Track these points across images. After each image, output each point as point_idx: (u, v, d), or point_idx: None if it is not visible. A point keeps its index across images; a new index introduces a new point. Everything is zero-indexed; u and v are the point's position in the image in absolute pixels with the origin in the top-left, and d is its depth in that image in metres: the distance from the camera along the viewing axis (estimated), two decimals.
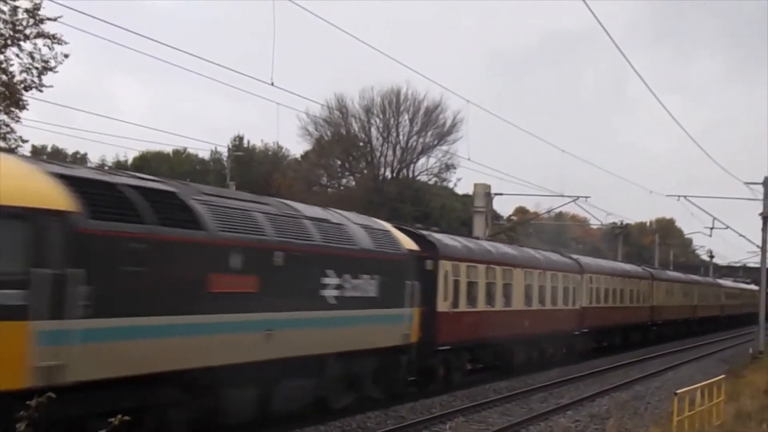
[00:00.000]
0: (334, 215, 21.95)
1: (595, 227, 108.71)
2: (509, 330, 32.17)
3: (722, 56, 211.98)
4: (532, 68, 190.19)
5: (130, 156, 75.00)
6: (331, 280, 19.41)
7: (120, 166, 73.87)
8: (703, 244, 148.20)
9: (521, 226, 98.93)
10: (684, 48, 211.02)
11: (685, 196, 48.19)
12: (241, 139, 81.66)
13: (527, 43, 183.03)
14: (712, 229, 55.14)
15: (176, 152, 75.03)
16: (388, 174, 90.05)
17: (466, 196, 79.97)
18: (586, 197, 49.40)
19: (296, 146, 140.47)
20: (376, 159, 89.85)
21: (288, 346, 17.59)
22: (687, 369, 38.98)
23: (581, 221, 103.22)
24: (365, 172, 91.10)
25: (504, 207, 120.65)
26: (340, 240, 20.37)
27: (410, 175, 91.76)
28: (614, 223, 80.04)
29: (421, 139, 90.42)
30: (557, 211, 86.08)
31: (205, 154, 77.80)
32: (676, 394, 17.58)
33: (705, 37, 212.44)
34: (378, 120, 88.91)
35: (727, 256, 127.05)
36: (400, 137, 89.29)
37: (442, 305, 27.29)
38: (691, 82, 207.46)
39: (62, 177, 13.06)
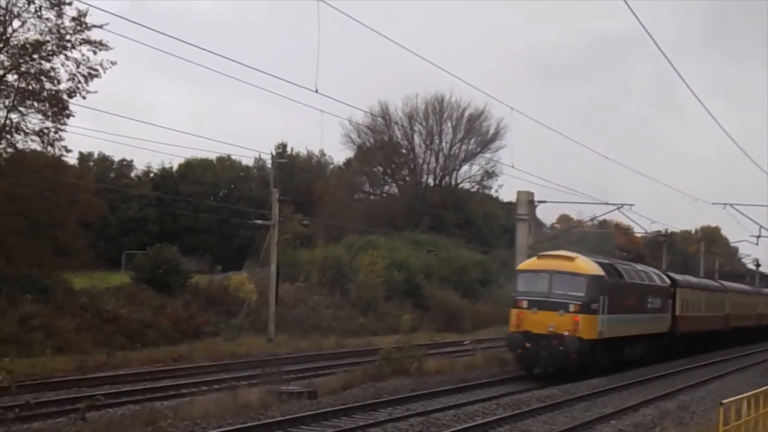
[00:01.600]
0: (649, 270, 46.44)
1: (639, 235, 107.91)
2: (707, 326, 52.90)
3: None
4: (578, 74, 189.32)
5: (176, 163, 75.50)
6: (650, 300, 42.43)
7: (165, 173, 74.54)
8: (749, 252, 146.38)
9: (564, 234, 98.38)
10: (733, 52, 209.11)
11: (731, 204, 47.78)
12: (284, 146, 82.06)
13: (573, 49, 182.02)
14: (758, 237, 54.37)
15: (220, 159, 75.43)
16: (430, 181, 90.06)
17: (509, 203, 79.67)
18: (631, 205, 49.04)
19: (339, 154, 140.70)
20: (418, 166, 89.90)
21: (635, 329, 40.16)
22: (732, 379, 38.51)
23: (625, 229, 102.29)
24: (407, 179, 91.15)
25: (547, 215, 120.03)
26: (651, 281, 43.79)
27: (452, 182, 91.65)
28: (658, 231, 79.18)
29: (463, 147, 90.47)
30: (601, 218, 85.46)
31: (248, 161, 78.16)
32: (722, 404, 17.37)
33: (755, 41, 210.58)
34: (421, 127, 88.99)
35: None
36: (443, 144, 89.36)
37: (678, 311, 46.68)
38: (740, 87, 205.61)
39: (599, 264, 36.91)
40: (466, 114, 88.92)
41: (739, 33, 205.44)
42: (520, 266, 37.61)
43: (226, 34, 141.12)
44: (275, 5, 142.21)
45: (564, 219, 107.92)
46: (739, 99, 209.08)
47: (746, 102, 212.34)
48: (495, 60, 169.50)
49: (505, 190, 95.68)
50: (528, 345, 34.13)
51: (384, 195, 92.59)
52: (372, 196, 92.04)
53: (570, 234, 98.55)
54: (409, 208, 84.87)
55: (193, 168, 74.99)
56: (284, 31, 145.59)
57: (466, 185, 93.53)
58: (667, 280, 46.38)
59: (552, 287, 34.64)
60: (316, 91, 28.06)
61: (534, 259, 37.38)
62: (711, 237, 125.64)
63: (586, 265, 35.69)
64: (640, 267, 45.59)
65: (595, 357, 35.00)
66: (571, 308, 33.95)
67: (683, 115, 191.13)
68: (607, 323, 35.35)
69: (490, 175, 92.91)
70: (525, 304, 34.77)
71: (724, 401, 17.61)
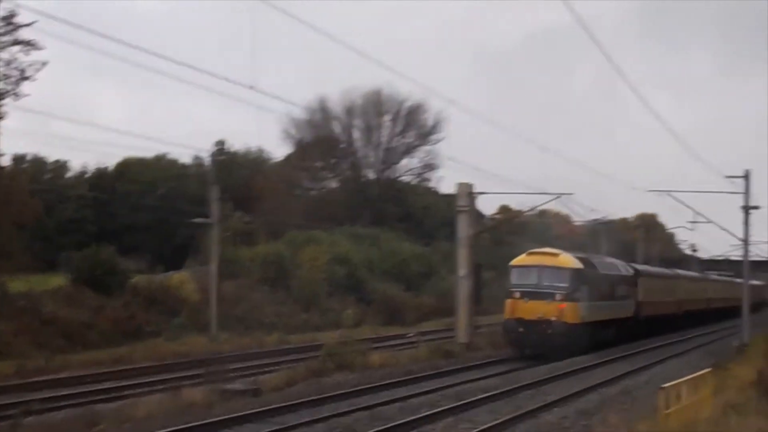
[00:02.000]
0: (617, 262, 51.63)
1: (578, 224, 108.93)
2: (665, 310, 58.69)
3: (714, 52, 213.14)
4: (519, 67, 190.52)
5: (112, 162, 74.54)
6: (619, 288, 48.18)
7: (101, 173, 73.58)
8: (685, 238, 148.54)
9: (505, 225, 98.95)
10: (676, 44, 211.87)
11: (667, 191, 48.22)
12: (223, 143, 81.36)
13: (514, 42, 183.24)
14: (694, 223, 55.19)
15: (158, 158, 74.59)
16: (370, 175, 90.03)
17: (449, 195, 79.95)
18: (570, 194, 49.38)
19: (278, 149, 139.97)
20: (358, 160, 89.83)
21: (608, 314, 45.64)
22: (674, 363, 39.01)
23: (564, 218, 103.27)
24: (347, 173, 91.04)
25: (487, 206, 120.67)
26: (619, 272, 49.51)
27: (393, 175, 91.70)
28: (597, 219, 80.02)
29: (403, 140, 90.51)
30: (541, 208, 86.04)
31: (187, 159, 77.40)
32: (662, 388, 17.56)
33: (696, 32, 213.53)
34: (360, 121, 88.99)
35: (710, 250, 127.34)
36: (382, 138, 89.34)
37: (641, 298, 52.62)
38: (683, 78, 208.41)
39: (579, 258, 42.83)
40: (405, 107, 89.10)
41: (680, 23, 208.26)
42: (513, 262, 42.64)
43: (162, 32, 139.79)
44: (210, 2, 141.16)
45: (504, 209, 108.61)
46: (682, 89, 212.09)
47: (688, 92, 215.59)
48: (435, 53, 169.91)
49: (445, 183, 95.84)
50: (521, 330, 39.90)
51: (324, 190, 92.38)
52: (312, 191, 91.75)
53: (510, 224, 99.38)
54: (349, 202, 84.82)
55: (130, 167, 74.07)
56: (220, 28, 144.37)
57: (407, 178, 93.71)
58: (631, 270, 52.79)
59: (540, 280, 40.53)
60: (252, 88, 27.86)
61: (524, 255, 42.69)
62: (649, 224, 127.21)
63: (568, 260, 41.90)
64: (608, 259, 51.85)
65: (577, 338, 40.25)
66: (557, 297, 39.87)
67: (625, 107, 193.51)
68: (586, 309, 41.45)
69: (429, 167, 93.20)
70: (518, 294, 40.49)
71: (664, 386, 17.80)
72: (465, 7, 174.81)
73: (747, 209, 45.59)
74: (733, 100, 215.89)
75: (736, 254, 78.93)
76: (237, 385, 27.43)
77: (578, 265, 41.84)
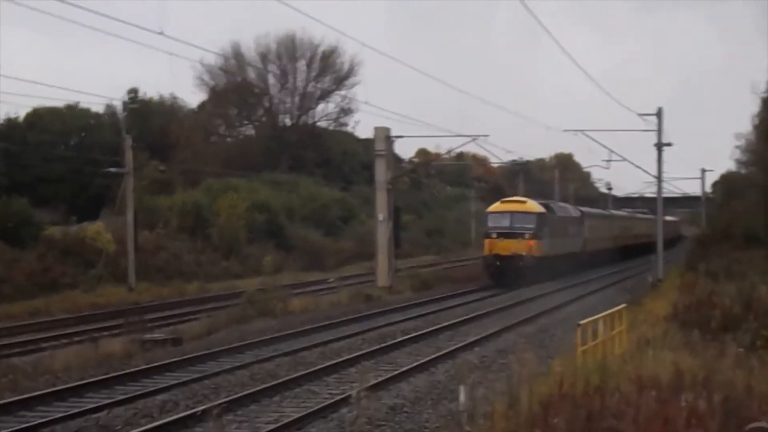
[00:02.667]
0: (568, 207, 61.59)
1: (496, 165, 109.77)
2: (604, 245, 66.36)
3: None
4: (436, 8, 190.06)
5: (22, 113, 72.70)
6: (571, 228, 57.06)
7: (11, 123, 71.78)
8: (601, 176, 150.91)
9: (423, 168, 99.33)
10: None
11: (582, 131, 48.69)
12: (136, 91, 79.83)
13: None
14: (609, 161, 55.98)
15: (69, 107, 72.92)
16: (287, 121, 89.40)
17: (367, 140, 79.89)
18: (486, 136, 49.73)
19: (192, 97, 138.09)
20: (274, 106, 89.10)
21: (564, 249, 54.24)
22: (591, 300, 39.73)
23: (482, 160, 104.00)
24: (264, 119, 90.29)
25: (405, 149, 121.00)
26: (570, 214, 58.47)
27: (309, 121, 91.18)
28: (514, 160, 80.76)
29: (318, 85, 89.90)
30: (458, 151, 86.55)
31: (99, 108, 75.78)
32: (579, 325, 17.81)
33: None
34: (274, 67, 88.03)
35: (625, 188, 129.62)
36: (298, 83, 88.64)
37: (587, 235, 60.98)
38: (604, 17, 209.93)
39: (542, 204, 52.73)
40: (320, 52, 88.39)
41: None
42: (489, 209, 52.37)
43: None
44: None
45: (422, 153, 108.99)
46: (603, 27, 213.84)
47: (609, 30, 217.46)
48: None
49: (362, 127, 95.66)
50: (498, 263, 48.36)
51: (241, 137, 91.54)
52: (229, 139, 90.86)
53: (428, 167, 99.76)
54: (267, 148, 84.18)
55: (41, 117, 72.36)
56: None
57: (323, 123, 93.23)
58: (578, 213, 62.05)
59: (512, 222, 49.42)
60: (162, 33, 27.30)
61: (498, 203, 52.74)
62: (565, 164, 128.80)
63: (534, 206, 51.31)
64: (562, 204, 62.62)
65: (542, 269, 49.07)
66: (526, 236, 48.87)
67: (542, 47, 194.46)
68: (548, 245, 50.75)
69: (346, 112, 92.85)
70: (494, 235, 49.42)
71: (581, 322, 18.06)
72: None
73: (660, 146, 46.32)
74: (652, 38, 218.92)
75: (650, 191, 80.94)
76: (157, 335, 27.23)
77: (541, 210, 51.29)
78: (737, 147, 53.12)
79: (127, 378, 20.75)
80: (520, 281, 46.47)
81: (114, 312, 35.30)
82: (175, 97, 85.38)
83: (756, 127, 42.36)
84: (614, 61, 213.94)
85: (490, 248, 48.79)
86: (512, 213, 49.76)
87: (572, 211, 60.97)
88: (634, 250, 78.72)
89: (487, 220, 51.15)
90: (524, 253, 47.89)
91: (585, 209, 65.64)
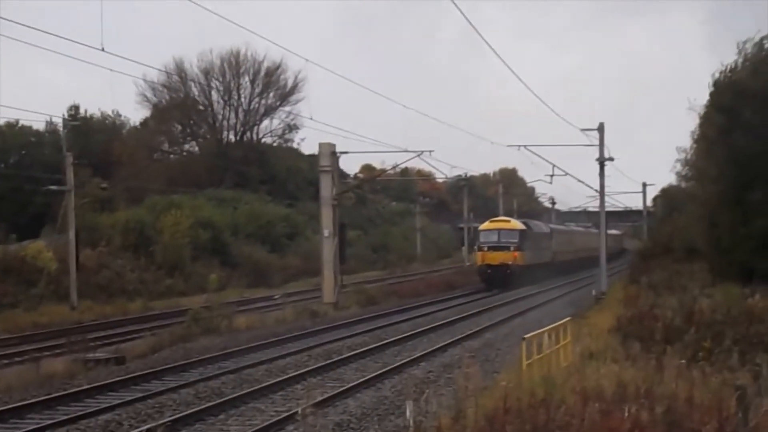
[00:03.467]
0: (541, 224, 73.37)
1: (440, 181, 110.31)
2: (567, 257, 74.23)
3: (576, 4, 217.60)
4: (382, 24, 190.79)
5: None
6: (543, 241, 67.50)
7: None
8: (545, 191, 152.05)
9: (368, 184, 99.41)
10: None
11: (525, 146, 49.02)
12: (77, 108, 79.01)
13: None
14: (552, 176, 56.37)
15: (9, 124, 72.01)
16: (231, 137, 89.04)
17: (311, 156, 79.78)
18: (430, 151, 49.88)
19: (135, 113, 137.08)
20: (218, 123, 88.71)
21: (539, 259, 64.04)
22: (534, 314, 39.96)
23: (426, 175, 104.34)
24: (208, 136, 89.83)
25: (350, 165, 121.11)
26: (542, 230, 69.37)
27: (254, 137, 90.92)
28: (459, 175, 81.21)
29: (263, 101, 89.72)
30: (403, 166, 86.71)
31: (40, 125, 74.88)
32: (524, 339, 17.91)
33: None
34: (218, 83, 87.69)
35: (569, 202, 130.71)
36: (242, 100, 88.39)
37: (555, 248, 69.90)
38: (550, 30, 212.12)
39: (523, 222, 64.61)
40: (264, 68, 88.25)
41: None
42: (480, 227, 62.85)
43: None
44: None
45: (367, 169, 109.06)
46: (550, 41, 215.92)
47: (556, 44, 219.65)
48: (296, 11, 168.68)
49: (307, 143, 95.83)
50: (489, 271, 58.77)
51: (185, 154, 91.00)
52: (172, 156, 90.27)
53: (374, 183, 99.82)
54: (211, 165, 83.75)
55: None
56: None
57: (268, 140, 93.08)
58: (549, 229, 73.45)
59: (500, 238, 60.07)
60: (103, 50, 27.08)
61: (487, 222, 63.32)
62: (509, 178, 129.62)
63: (517, 224, 62.92)
64: (537, 222, 72.87)
65: (524, 275, 58.72)
66: (512, 248, 59.36)
67: (488, 62, 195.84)
68: (528, 256, 60.99)
69: (291, 128, 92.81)
70: (485, 248, 59.76)
71: (526, 336, 18.16)
72: None
73: (602, 161, 46.83)
74: (597, 52, 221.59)
75: (593, 205, 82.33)
76: (99, 354, 26.90)
77: (522, 227, 62.40)
78: (678, 161, 53.82)
79: (70, 398, 20.47)
80: (508, 285, 56.47)
81: (56, 331, 34.81)
82: (117, 114, 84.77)
83: (695, 142, 42.99)
84: (560, 74, 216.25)
85: (482, 259, 59.84)
86: (499, 230, 60.84)
87: (544, 227, 72.14)
88: (591, 261, 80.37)
89: (479, 236, 61.95)
90: (510, 262, 58.61)
91: (553, 226, 76.67)
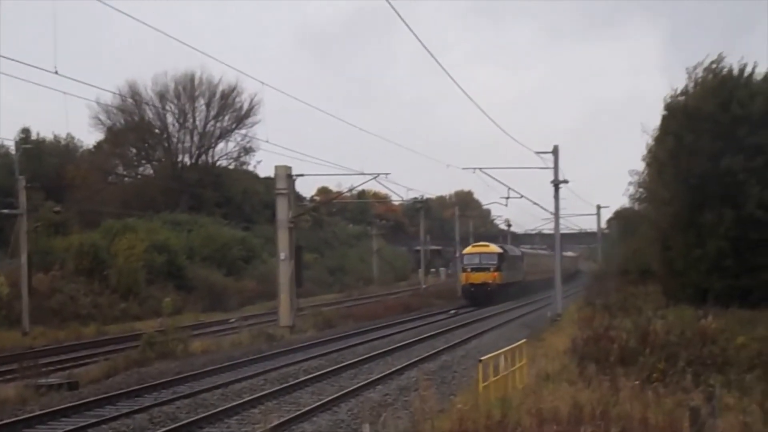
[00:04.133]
0: (515, 248, 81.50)
1: (396, 203, 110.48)
2: (536, 277, 79.77)
3: (534, 26, 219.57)
4: (344, 46, 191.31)
5: None
6: (516, 262, 75.12)
7: None
8: (500, 213, 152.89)
9: (325, 206, 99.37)
10: (500, 18, 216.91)
11: (480, 168, 49.20)
12: (28, 131, 78.23)
13: (338, 19, 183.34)
14: (507, 198, 56.63)
15: None
16: (186, 160, 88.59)
17: (267, 178, 79.59)
18: (387, 174, 50.08)
19: (89, 136, 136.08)
20: (173, 145, 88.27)
21: (513, 278, 72.51)
22: (490, 336, 40.06)
23: (383, 198, 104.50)
24: (163, 159, 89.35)
25: (307, 188, 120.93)
26: (515, 253, 77.39)
27: (209, 160, 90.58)
28: (415, 198, 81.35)
29: (218, 124, 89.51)
30: (359, 189, 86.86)
31: None
32: (480, 361, 17.95)
33: (518, 6, 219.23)
34: (173, 106, 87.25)
35: (524, 224, 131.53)
36: (197, 122, 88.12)
37: (526, 269, 78.02)
38: (509, 52, 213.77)
39: (500, 246, 72.08)
40: (219, 91, 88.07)
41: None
42: (464, 251, 71.17)
43: None
44: None
45: (324, 191, 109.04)
46: (507, 62, 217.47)
47: (513, 65, 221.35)
48: (253, 34, 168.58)
49: (263, 166, 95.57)
50: (472, 289, 66.47)
51: (139, 177, 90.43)
52: (127, 179, 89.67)
53: (330, 206, 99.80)
54: (166, 188, 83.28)
55: None
56: (17, 10, 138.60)
57: (224, 162, 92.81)
58: (520, 252, 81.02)
59: (481, 260, 67.54)
60: (56, 72, 26.86)
61: (470, 247, 71.78)
62: (464, 201, 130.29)
63: (495, 248, 69.93)
64: (511, 246, 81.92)
65: (502, 292, 67.15)
66: (491, 269, 67.06)
67: (446, 84, 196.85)
68: (505, 276, 68.66)
69: (247, 151, 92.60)
70: (469, 269, 67.53)
71: (482, 358, 18.21)
72: None
73: (556, 184, 47.17)
74: (554, 74, 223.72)
75: (548, 228, 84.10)
76: (52, 380, 26.55)
77: (500, 250, 69.97)
78: (631, 183, 54.39)
79: (22, 424, 20.19)
80: (489, 301, 64.18)
81: (7, 356, 34.30)
82: (70, 137, 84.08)
83: (648, 165, 43.43)
84: (517, 96, 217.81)
85: (466, 279, 67.54)
86: (480, 253, 68.52)
87: (517, 251, 79.94)
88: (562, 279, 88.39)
89: (462, 259, 69.73)
90: (490, 281, 66.29)
91: (524, 250, 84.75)
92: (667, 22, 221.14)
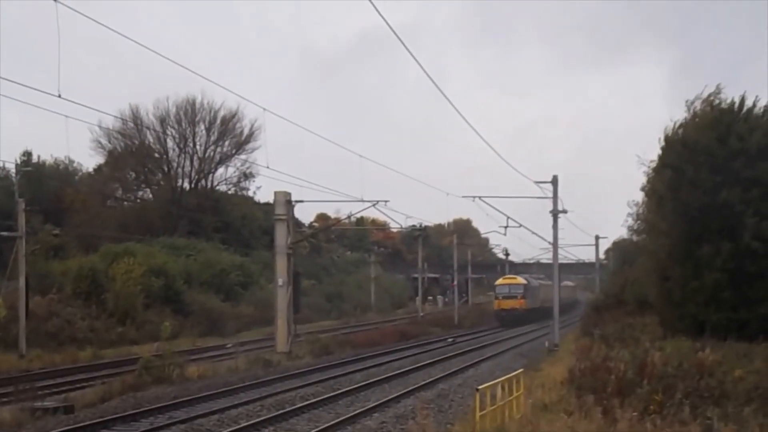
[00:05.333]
0: (534, 278, 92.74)
1: (395, 230, 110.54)
2: (548, 303, 70.65)
3: (543, 54, 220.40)
4: (348, 71, 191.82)
5: None
6: (536, 292, 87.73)
7: None
8: (499, 242, 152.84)
9: (323, 233, 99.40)
10: (508, 44, 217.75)
11: (479, 197, 49.29)
12: (29, 154, 78.44)
13: (343, 45, 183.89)
14: (506, 227, 56.66)
15: None
16: (186, 185, 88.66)
17: (267, 204, 79.69)
18: (386, 201, 49.90)
19: (89, 159, 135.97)
20: (173, 170, 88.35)
21: (535, 305, 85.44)
22: (488, 365, 40.01)
23: (381, 225, 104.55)
24: (162, 183, 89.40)
25: (305, 214, 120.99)
26: (534, 284, 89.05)
27: (209, 185, 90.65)
28: (414, 225, 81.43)
29: (218, 149, 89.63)
30: (358, 216, 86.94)
31: None
32: (477, 390, 17.94)
33: (526, 34, 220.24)
34: (173, 130, 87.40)
35: (522, 254, 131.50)
36: (197, 147, 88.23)
37: (542, 297, 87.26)
38: (513, 79, 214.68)
39: (525, 278, 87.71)
40: (219, 116, 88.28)
41: (511, 24, 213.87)
42: (497, 282, 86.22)
43: None
44: (9, 5, 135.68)
45: (322, 217, 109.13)
46: (512, 89, 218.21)
47: (519, 92, 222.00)
48: (258, 59, 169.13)
49: (262, 192, 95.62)
50: (503, 314, 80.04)
51: (139, 201, 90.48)
52: (126, 202, 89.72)
53: (329, 232, 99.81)
54: (165, 213, 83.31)
55: None
56: (21, 34, 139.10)
57: (223, 187, 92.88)
58: (538, 283, 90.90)
59: (510, 290, 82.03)
60: (60, 96, 26.93)
61: (501, 279, 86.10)
62: (463, 229, 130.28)
63: (521, 280, 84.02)
64: (531, 277, 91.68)
65: (527, 316, 78.44)
66: (518, 297, 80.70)
67: (448, 112, 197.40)
68: (529, 303, 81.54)
69: (246, 176, 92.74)
70: (501, 297, 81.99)
71: (480, 387, 18.20)
72: (291, 9, 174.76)
73: (555, 214, 47.25)
74: (556, 105, 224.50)
75: (546, 257, 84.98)
76: (48, 403, 26.49)
77: (524, 282, 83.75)
78: (629, 215, 54.46)
79: None
80: (516, 323, 75.58)
81: (3, 379, 34.23)
82: (70, 161, 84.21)
83: (646, 196, 43.50)
84: (521, 124, 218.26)
85: (498, 305, 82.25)
86: (510, 284, 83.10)
87: (535, 282, 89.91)
88: (563, 310, 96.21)
89: (495, 289, 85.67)
90: (518, 307, 79.25)
91: (540, 281, 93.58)
92: (676, 50, 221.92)
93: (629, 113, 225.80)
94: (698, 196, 33.14)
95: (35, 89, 28.30)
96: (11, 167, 72.28)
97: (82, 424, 22.93)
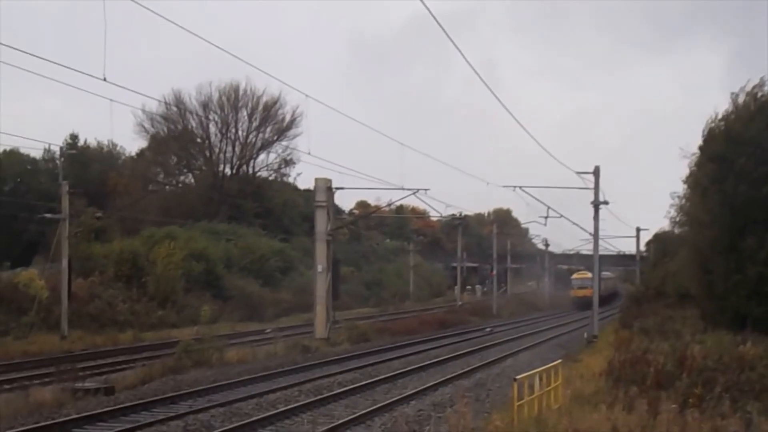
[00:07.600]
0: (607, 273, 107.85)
1: (435, 219, 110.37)
2: (607, 292, 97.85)
3: (591, 46, 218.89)
4: (394, 60, 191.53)
5: None
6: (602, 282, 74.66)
7: None
8: (539, 232, 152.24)
9: (363, 220, 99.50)
10: (558, 35, 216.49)
11: (520, 187, 49.08)
12: (75, 137, 79.16)
13: (391, 31, 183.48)
14: (546, 218, 56.43)
15: (6, 152, 72.06)
16: (227, 170, 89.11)
17: (307, 190, 79.85)
18: (426, 190, 49.88)
19: (132, 143, 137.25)
20: (214, 155, 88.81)
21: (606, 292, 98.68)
22: (525, 355, 39.90)
23: (421, 213, 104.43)
24: (204, 168, 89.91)
25: (345, 201, 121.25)
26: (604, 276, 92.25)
27: (250, 171, 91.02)
28: (454, 214, 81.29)
29: (260, 135, 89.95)
30: (398, 204, 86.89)
31: (37, 153, 74.98)
32: (515, 380, 17.89)
33: (578, 25, 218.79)
34: (216, 116, 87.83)
35: (562, 244, 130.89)
36: (239, 133, 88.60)
37: (603, 287, 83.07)
38: (564, 70, 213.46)
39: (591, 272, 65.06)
40: (262, 102, 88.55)
41: (565, 17, 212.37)
42: (573, 276, 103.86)
43: (8, 22, 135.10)
44: None
45: (362, 205, 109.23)
46: (563, 76, 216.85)
47: (569, 79, 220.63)
48: (307, 44, 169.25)
49: (303, 178, 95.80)
50: (578, 300, 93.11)
51: (180, 185, 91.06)
52: (168, 187, 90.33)
53: (368, 219, 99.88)
54: (206, 198, 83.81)
55: None
56: (68, 18, 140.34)
57: (264, 173, 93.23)
58: (612, 274, 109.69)
59: (583, 282, 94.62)
60: (105, 80, 27.16)
61: (576, 273, 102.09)
62: (503, 219, 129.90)
63: (590, 274, 77.26)
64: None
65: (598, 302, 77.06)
66: (588, 287, 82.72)
67: (491, 100, 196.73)
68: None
69: (287, 162, 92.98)
70: (576, 287, 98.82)
71: (518, 377, 18.15)
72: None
73: (597, 205, 46.92)
74: (607, 94, 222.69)
75: (586, 248, 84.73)
76: (89, 384, 26.78)
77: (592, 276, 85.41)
78: (672, 206, 53.96)
79: (58, 427, 20.37)
80: (588, 308, 72.38)
81: (46, 360, 34.69)
82: (114, 145, 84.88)
83: (689, 188, 43.06)
84: (569, 112, 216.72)
85: (575, 294, 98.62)
86: (582, 278, 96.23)
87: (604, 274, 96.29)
88: (614, 297, 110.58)
89: (571, 282, 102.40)
90: (589, 295, 76.82)
91: (604, 273, 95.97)
92: (734, 40, 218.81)
93: (682, 103, 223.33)
94: (743, 188, 32.77)
95: (82, 72, 28.55)
96: (56, 150, 73.10)
97: (122, 406, 23.14)
